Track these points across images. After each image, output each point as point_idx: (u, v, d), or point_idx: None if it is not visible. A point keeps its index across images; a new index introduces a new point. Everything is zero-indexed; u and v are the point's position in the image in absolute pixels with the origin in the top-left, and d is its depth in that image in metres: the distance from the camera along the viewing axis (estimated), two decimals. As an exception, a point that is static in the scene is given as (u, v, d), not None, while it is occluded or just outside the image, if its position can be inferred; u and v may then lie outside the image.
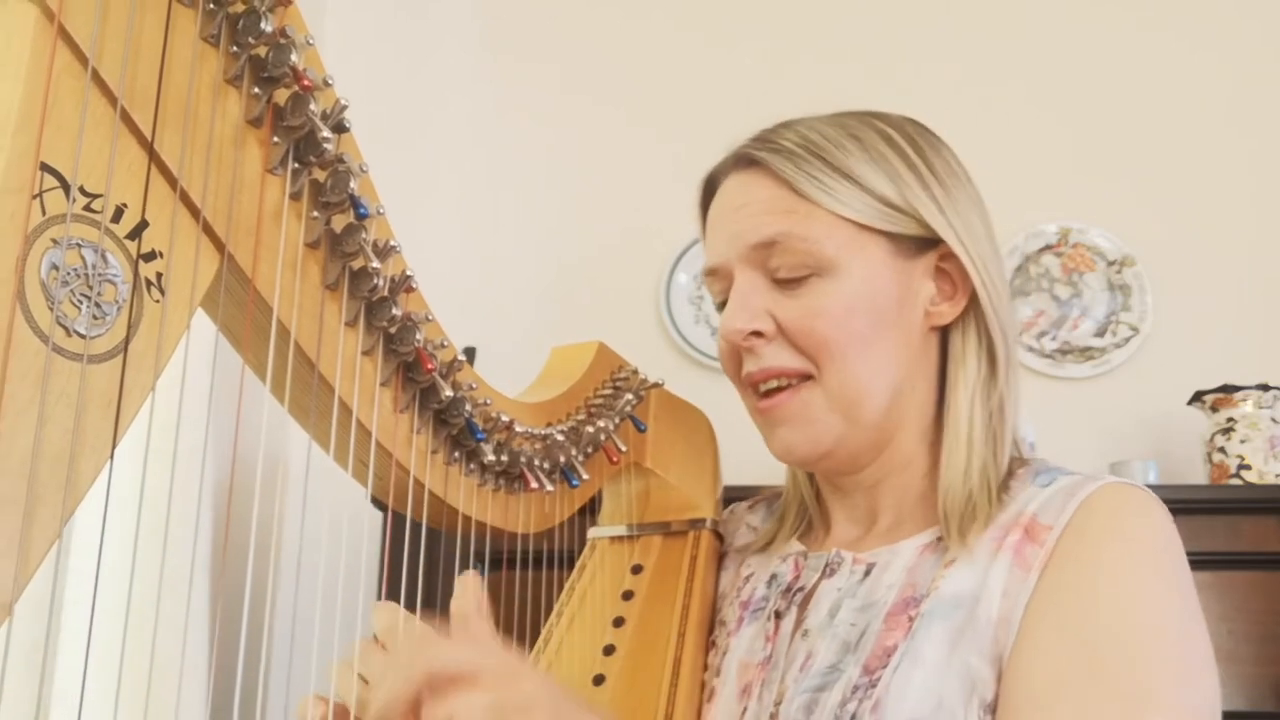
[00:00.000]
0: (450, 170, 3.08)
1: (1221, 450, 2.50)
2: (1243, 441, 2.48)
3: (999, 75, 3.00)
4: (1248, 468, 2.46)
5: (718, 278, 1.16)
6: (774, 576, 1.17)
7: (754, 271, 1.12)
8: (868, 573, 1.10)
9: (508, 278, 3.02)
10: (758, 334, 1.10)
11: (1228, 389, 2.51)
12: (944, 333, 1.15)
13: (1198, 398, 2.56)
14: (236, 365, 0.82)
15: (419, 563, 0.98)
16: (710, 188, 1.21)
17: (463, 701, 0.79)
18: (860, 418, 1.10)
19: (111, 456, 0.65)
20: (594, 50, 3.17)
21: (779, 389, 1.11)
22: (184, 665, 2.06)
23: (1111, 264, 2.86)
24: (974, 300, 1.12)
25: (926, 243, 1.12)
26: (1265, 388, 2.48)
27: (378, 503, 1.01)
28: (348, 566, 1.01)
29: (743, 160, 1.16)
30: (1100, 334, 2.84)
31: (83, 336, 0.63)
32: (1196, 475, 2.62)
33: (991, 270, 1.13)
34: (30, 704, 1.84)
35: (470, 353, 2.83)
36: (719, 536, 1.31)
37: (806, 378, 1.10)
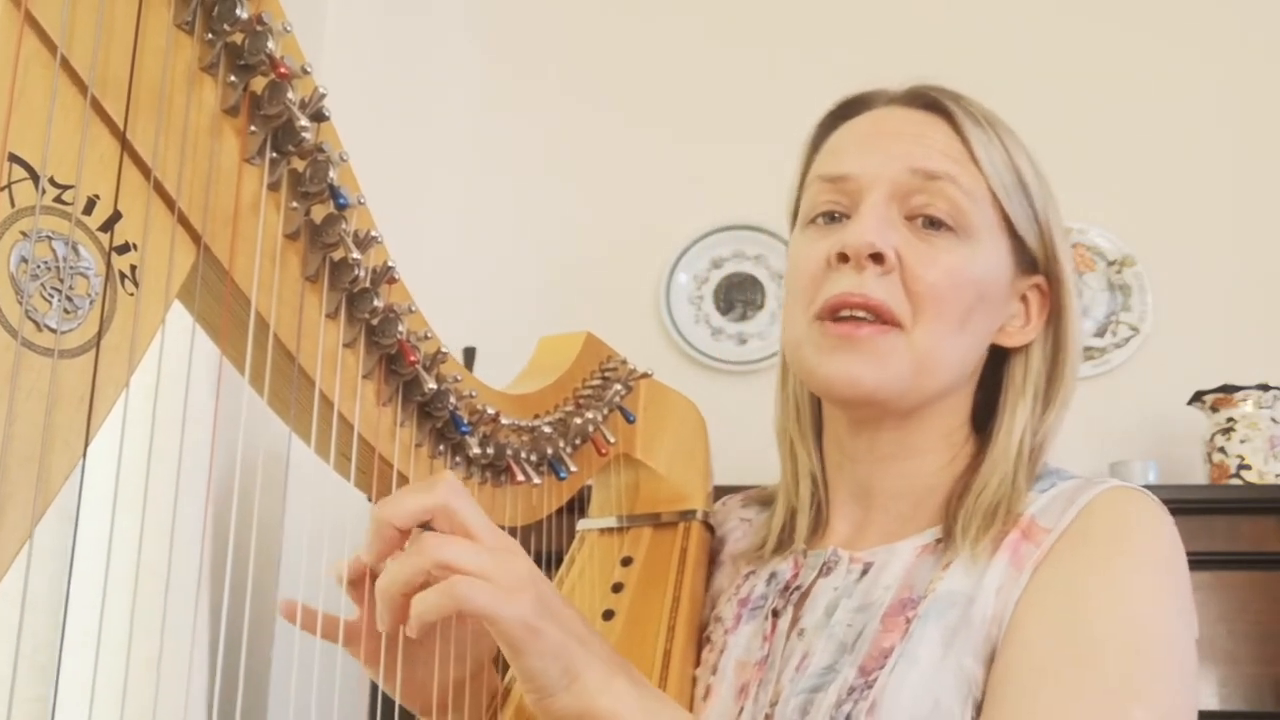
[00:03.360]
0: (450, 170, 3.08)
1: (1221, 450, 2.50)
2: (1243, 441, 2.48)
3: (998, 75, 2.99)
4: (1248, 468, 2.46)
5: (838, 187, 1.11)
6: (773, 575, 1.16)
7: (892, 202, 1.07)
8: (864, 572, 1.09)
9: (508, 278, 3.02)
10: (879, 258, 1.05)
11: (1228, 389, 2.50)
12: (1001, 355, 1.15)
13: (1198, 398, 2.56)
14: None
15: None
16: (853, 107, 1.18)
17: (463, 548, 0.83)
18: (923, 384, 1.07)
19: (84, 454, 0.63)
20: (594, 49, 3.18)
21: (862, 321, 1.05)
22: (186, 665, 2.05)
23: (1111, 264, 2.85)
24: (1048, 336, 1.14)
25: (1033, 267, 1.13)
26: (1265, 388, 2.48)
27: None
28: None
29: (919, 99, 1.14)
30: (1100, 334, 2.83)
31: (54, 331, 0.62)
32: (1196, 475, 2.62)
33: (1079, 316, 1.15)
34: (37, 704, 1.84)
35: (470, 353, 2.83)
36: (710, 528, 1.30)
37: (895, 326, 1.05)
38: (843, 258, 1.06)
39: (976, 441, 1.14)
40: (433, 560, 0.82)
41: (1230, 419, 2.50)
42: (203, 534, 2.05)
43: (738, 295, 3.00)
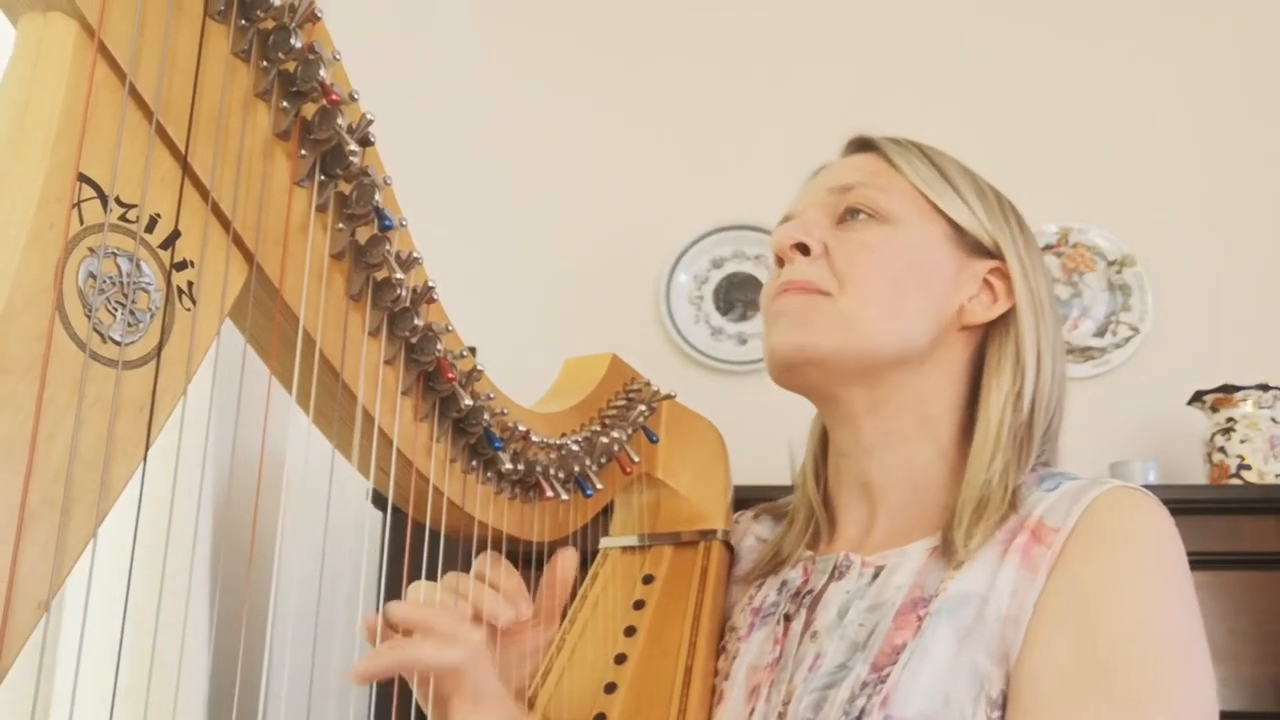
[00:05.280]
0: (450, 170, 3.08)
1: (1221, 450, 2.51)
2: (1243, 441, 2.48)
3: (999, 75, 3.00)
4: (1248, 468, 2.47)
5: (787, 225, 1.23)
6: (784, 583, 1.19)
7: (823, 214, 1.20)
8: (876, 575, 1.11)
9: (507, 277, 3.02)
10: (803, 249, 1.17)
11: (1228, 389, 2.51)
12: (983, 345, 1.19)
13: (1198, 398, 2.56)
14: (236, 366, 0.83)
15: (421, 563, 1.00)
16: (817, 173, 1.29)
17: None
18: (859, 343, 1.13)
19: (144, 460, 0.66)
20: (594, 49, 3.18)
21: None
22: (183, 665, 2.06)
23: (1111, 264, 2.87)
24: (1014, 314, 1.17)
25: (984, 251, 1.19)
26: (1265, 388, 2.49)
27: (378, 503, 1.03)
28: (348, 567, 1.02)
29: (853, 146, 1.28)
30: (1100, 334, 2.84)
31: (118, 343, 0.64)
32: (1196, 475, 2.63)
33: (1045, 303, 1.19)
34: (31, 704, 1.85)
35: (470, 352, 2.83)
36: (729, 547, 1.32)
37: (823, 295, 1.14)
38: (780, 262, 1.19)
39: (971, 435, 1.16)
40: None
41: (1230, 419, 2.51)
42: (194, 535, 2.06)
43: (738, 295, 3.00)
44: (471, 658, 0.95)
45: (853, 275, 1.14)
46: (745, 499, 1.41)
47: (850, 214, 1.18)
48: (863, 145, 1.26)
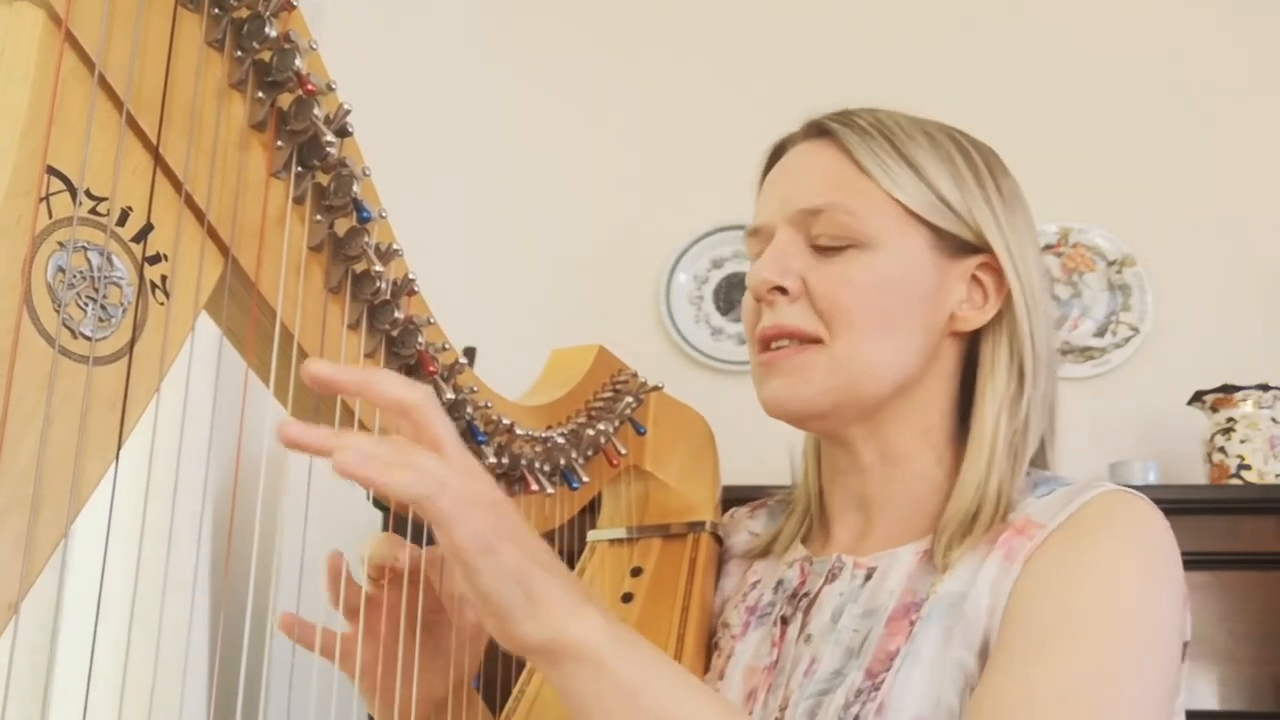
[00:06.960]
0: (450, 170, 3.08)
1: (1221, 450, 2.50)
2: (1243, 441, 2.48)
3: (999, 75, 3.00)
4: (1248, 468, 2.46)
5: (759, 239, 1.18)
6: (780, 582, 1.18)
7: (795, 234, 1.13)
8: (868, 577, 1.10)
9: (508, 277, 3.02)
10: (782, 290, 1.11)
11: (1228, 389, 2.51)
12: (974, 342, 1.16)
13: (1198, 398, 2.56)
14: (238, 366, 0.83)
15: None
16: (776, 154, 1.24)
17: (424, 459, 0.76)
18: (861, 390, 1.10)
19: (117, 458, 0.65)
20: (594, 50, 3.18)
21: (784, 347, 1.11)
22: (186, 665, 2.06)
23: (1111, 264, 2.86)
24: (1007, 312, 1.13)
25: (969, 248, 1.13)
26: (1265, 388, 2.48)
27: (379, 504, 1.02)
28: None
29: (813, 129, 1.19)
30: (1100, 334, 2.84)
31: (88, 339, 0.64)
32: (1196, 475, 2.62)
33: (1035, 289, 1.14)
34: (33, 704, 1.85)
35: (470, 353, 2.83)
36: (718, 539, 1.31)
37: (815, 342, 1.10)
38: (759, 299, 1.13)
39: (964, 437, 1.14)
40: (400, 459, 0.75)
41: (1230, 419, 2.50)
42: (198, 535, 2.07)
43: (738, 295, 2.99)
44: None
45: (838, 318, 1.09)
46: (744, 498, 1.40)
47: (826, 245, 1.12)
48: (822, 133, 1.18)
